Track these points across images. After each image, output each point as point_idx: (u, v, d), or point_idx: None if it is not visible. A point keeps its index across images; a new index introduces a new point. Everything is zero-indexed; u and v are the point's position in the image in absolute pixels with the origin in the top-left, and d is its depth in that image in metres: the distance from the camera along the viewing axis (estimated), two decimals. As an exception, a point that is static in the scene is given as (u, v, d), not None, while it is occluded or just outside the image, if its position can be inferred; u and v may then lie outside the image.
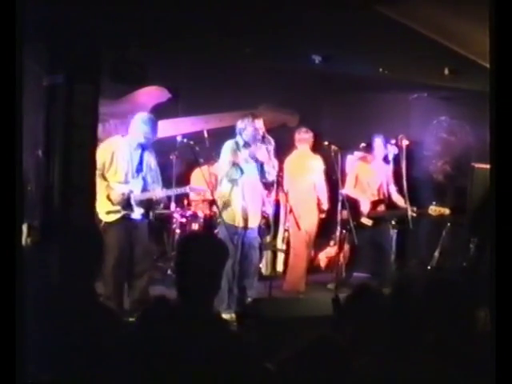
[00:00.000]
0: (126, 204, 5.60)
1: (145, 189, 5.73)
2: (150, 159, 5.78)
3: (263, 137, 5.97)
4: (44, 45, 4.95)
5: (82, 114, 4.97)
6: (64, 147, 4.94)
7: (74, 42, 4.87)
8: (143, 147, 5.70)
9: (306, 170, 7.29)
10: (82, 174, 5.04)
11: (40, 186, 5.32)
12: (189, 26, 5.23)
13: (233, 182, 5.98)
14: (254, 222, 6.07)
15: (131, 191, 5.62)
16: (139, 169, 5.70)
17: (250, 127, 5.96)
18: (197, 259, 2.49)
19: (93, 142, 5.21)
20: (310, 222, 7.16)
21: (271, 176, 6.08)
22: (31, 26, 2.97)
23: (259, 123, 5.99)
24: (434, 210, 6.82)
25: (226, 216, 5.96)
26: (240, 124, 6.02)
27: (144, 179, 5.72)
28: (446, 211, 6.78)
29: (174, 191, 6.34)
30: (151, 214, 5.87)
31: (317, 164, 7.28)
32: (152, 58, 6.14)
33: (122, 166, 5.61)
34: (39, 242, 4.77)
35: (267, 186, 6.30)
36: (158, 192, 5.81)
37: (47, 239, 4.70)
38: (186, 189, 6.46)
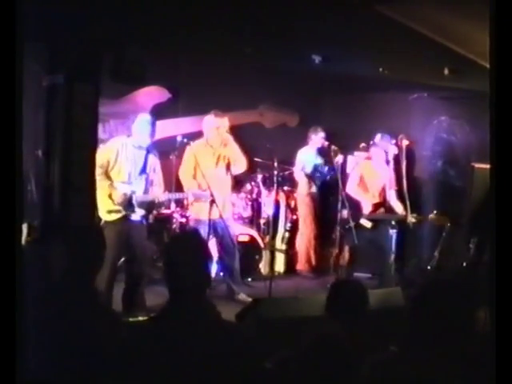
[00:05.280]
0: (128, 204, 5.58)
1: (147, 190, 5.72)
2: (155, 161, 5.78)
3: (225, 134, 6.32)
4: (44, 45, 4.94)
5: (82, 114, 4.96)
6: (64, 147, 4.93)
7: (74, 42, 4.87)
8: (148, 149, 5.70)
9: None
10: (82, 174, 5.03)
11: (40, 186, 5.32)
12: (189, 25, 5.23)
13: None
14: (225, 214, 6.26)
15: (133, 192, 5.60)
16: (143, 170, 5.67)
17: (211, 125, 6.36)
18: (178, 257, 2.53)
19: (93, 142, 5.20)
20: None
21: (239, 168, 6.49)
22: (31, 26, 2.97)
23: (222, 121, 6.33)
24: (434, 218, 6.84)
25: (195, 212, 6.38)
26: (204, 124, 6.42)
27: (147, 181, 5.71)
28: (447, 222, 6.89)
29: (176, 195, 6.34)
30: (151, 216, 5.85)
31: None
32: (152, 57, 6.13)
33: (125, 165, 5.60)
34: (39, 241, 4.77)
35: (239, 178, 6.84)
36: (160, 195, 5.83)
37: (47, 239, 4.70)
38: (188, 193, 6.44)
